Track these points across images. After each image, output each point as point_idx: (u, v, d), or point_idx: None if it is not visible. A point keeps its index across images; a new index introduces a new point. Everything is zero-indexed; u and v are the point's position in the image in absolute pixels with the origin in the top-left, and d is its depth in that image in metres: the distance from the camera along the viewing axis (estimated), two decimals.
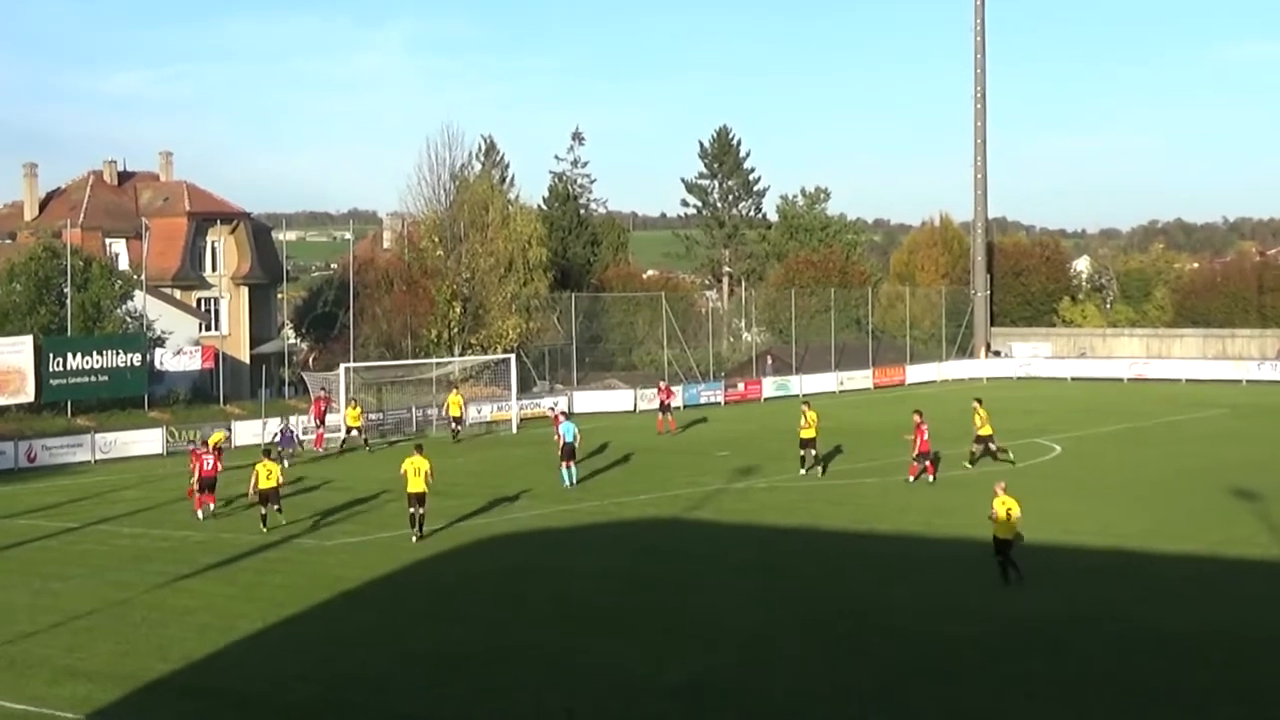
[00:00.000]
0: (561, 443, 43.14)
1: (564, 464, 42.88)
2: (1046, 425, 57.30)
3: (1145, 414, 61.98)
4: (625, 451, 51.16)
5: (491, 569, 31.10)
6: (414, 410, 60.50)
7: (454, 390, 59.47)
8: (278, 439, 50.53)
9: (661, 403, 60.57)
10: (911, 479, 41.80)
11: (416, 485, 33.94)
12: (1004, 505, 28.37)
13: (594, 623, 25.93)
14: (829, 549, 32.92)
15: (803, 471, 44.15)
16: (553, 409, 48.62)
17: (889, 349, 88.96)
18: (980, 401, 46.66)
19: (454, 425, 56.67)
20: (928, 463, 42.02)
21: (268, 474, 36.54)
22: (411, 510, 34.19)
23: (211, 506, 38.85)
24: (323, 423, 54.98)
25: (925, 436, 41.76)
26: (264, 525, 36.02)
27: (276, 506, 36.57)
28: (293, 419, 54.50)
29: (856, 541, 33.57)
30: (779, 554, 32.38)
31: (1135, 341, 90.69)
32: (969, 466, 44.24)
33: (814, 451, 44.68)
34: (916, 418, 42.31)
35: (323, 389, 56.53)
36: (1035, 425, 57.39)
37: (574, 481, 42.55)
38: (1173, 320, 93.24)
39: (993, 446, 45.15)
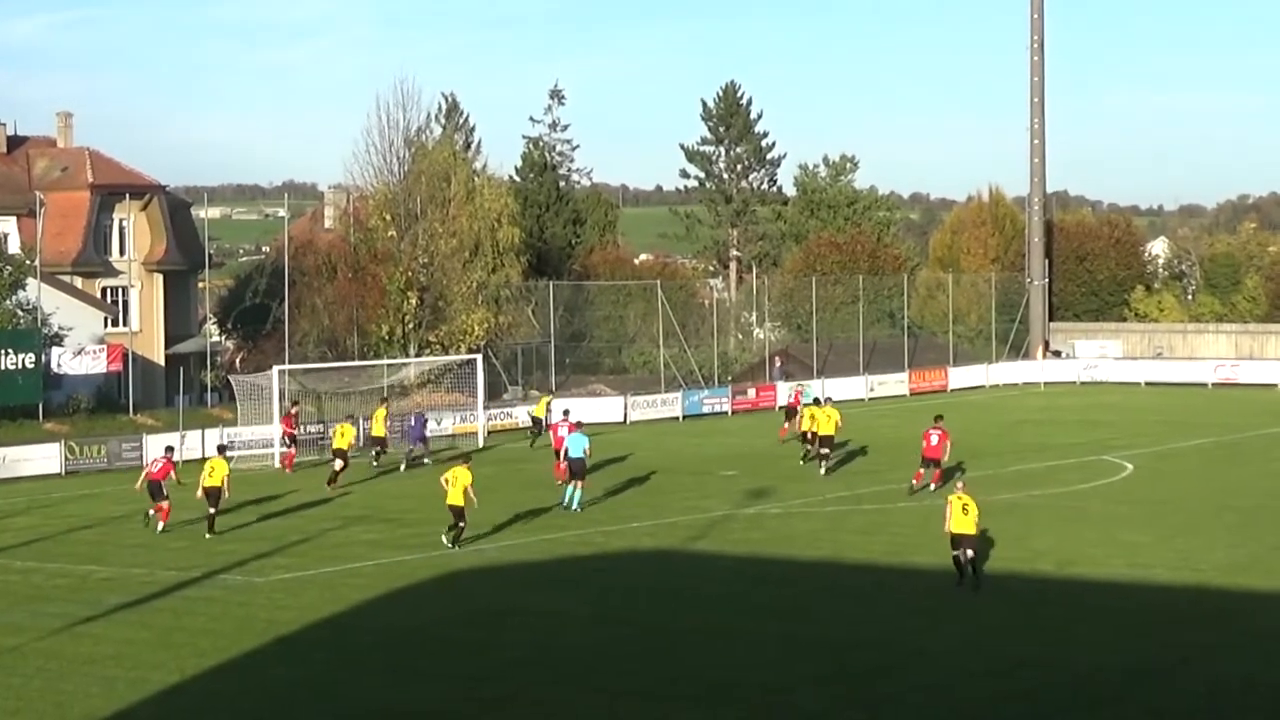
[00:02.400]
0: (566, 456, 43.84)
1: (573, 483, 43.26)
2: (1115, 439, 57.42)
3: (1233, 426, 62.14)
4: (614, 471, 51.23)
5: (454, 611, 31.14)
6: (362, 422, 60.42)
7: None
8: (411, 429, 53.57)
9: (790, 406, 60.80)
10: (914, 484, 44.19)
11: (454, 498, 37.52)
12: (960, 501, 31.68)
13: (577, 675, 25.99)
14: (858, 587, 33.00)
15: (821, 472, 48.90)
16: (565, 416, 49.39)
17: (928, 348, 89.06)
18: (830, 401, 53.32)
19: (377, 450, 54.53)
20: (935, 470, 44.35)
21: (210, 471, 40.34)
22: (453, 523, 37.82)
23: (161, 522, 40.58)
24: (294, 440, 54.96)
25: (933, 443, 44.13)
26: (209, 530, 39.91)
27: (214, 510, 40.05)
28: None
29: (891, 577, 33.65)
30: (798, 593, 32.46)
31: (1222, 339, 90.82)
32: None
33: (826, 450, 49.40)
34: (938, 423, 44.72)
35: (295, 402, 56.84)
36: (1102, 439, 57.54)
37: (579, 505, 42.82)
38: (1267, 314, 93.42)
39: (818, 449, 49.68)
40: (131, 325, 76.65)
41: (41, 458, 54.31)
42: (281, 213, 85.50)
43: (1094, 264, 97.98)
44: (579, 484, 43.15)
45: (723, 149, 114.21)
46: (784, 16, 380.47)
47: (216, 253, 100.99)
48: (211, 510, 40.02)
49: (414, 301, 73.96)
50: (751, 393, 75.13)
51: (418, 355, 72.04)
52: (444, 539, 37.61)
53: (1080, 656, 26.32)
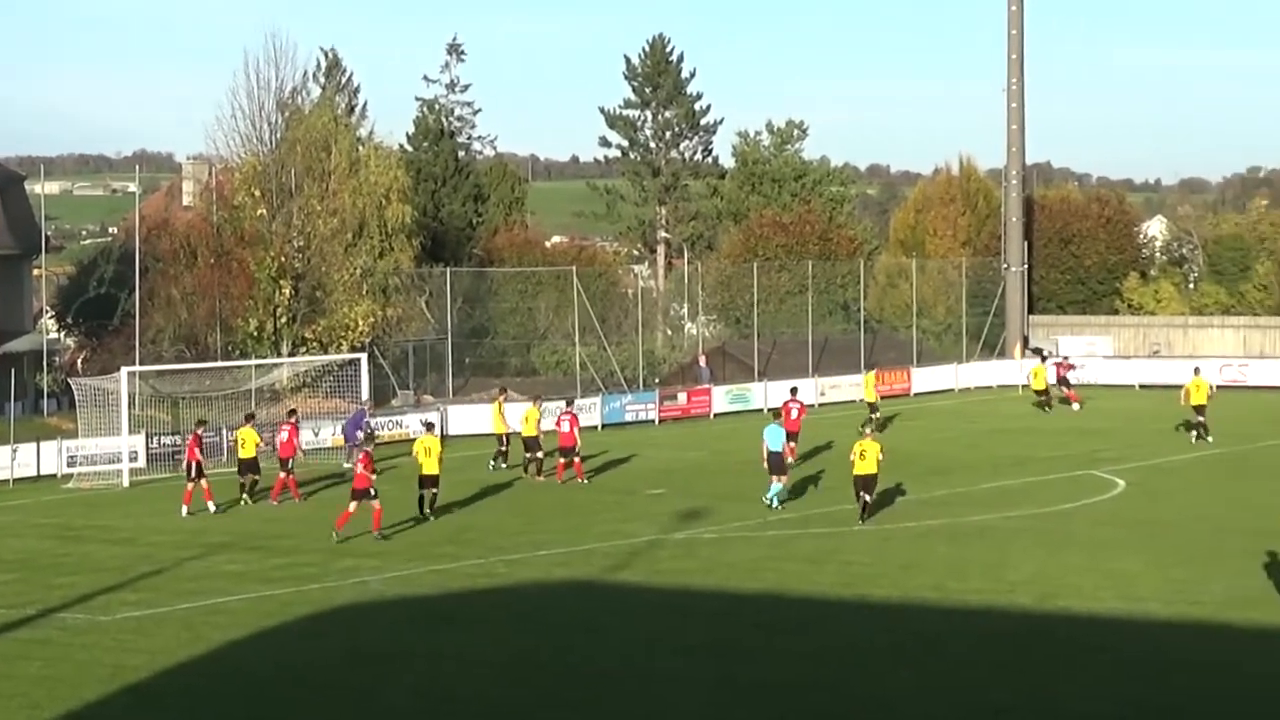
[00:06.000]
0: (766, 451, 45.93)
1: (775, 479, 46.14)
2: (1105, 451, 57.84)
3: (1241, 434, 62.52)
4: (519, 490, 51.32)
5: (332, 655, 31.05)
6: (224, 432, 60.23)
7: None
8: (362, 426, 55.56)
9: (1060, 376, 74.00)
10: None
11: (430, 467, 45.00)
12: (859, 447, 41.98)
13: None
14: (806, 623, 33.12)
15: (1193, 440, 59.51)
16: (569, 405, 55.34)
17: (888, 345, 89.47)
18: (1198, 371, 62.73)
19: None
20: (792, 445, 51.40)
21: (242, 443, 49.64)
22: (422, 492, 45.23)
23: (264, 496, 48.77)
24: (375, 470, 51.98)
25: (793, 415, 53.83)
26: (243, 495, 49.37)
27: (254, 477, 49.51)
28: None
29: (844, 613, 33.78)
30: (738, 630, 32.51)
31: (1229, 334, 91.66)
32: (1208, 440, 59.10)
33: (1202, 419, 59.54)
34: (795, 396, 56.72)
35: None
36: (1089, 451, 57.93)
37: (778, 500, 46.29)
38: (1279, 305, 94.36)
39: (1201, 419, 59.73)
40: None
41: None
42: (132, 188, 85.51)
43: (1081, 247, 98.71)
44: (779, 479, 46.37)
45: (649, 113, 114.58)
46: None
47: (55, 234, 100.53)
48: (254, 478, 49.50)
49: (287, 292, 73.74)
50: (682, 398, 75.24)
51: (291, 354, 71.84)
52: (421, 515, 44.92)
53: (1063, 703, 26.51)
